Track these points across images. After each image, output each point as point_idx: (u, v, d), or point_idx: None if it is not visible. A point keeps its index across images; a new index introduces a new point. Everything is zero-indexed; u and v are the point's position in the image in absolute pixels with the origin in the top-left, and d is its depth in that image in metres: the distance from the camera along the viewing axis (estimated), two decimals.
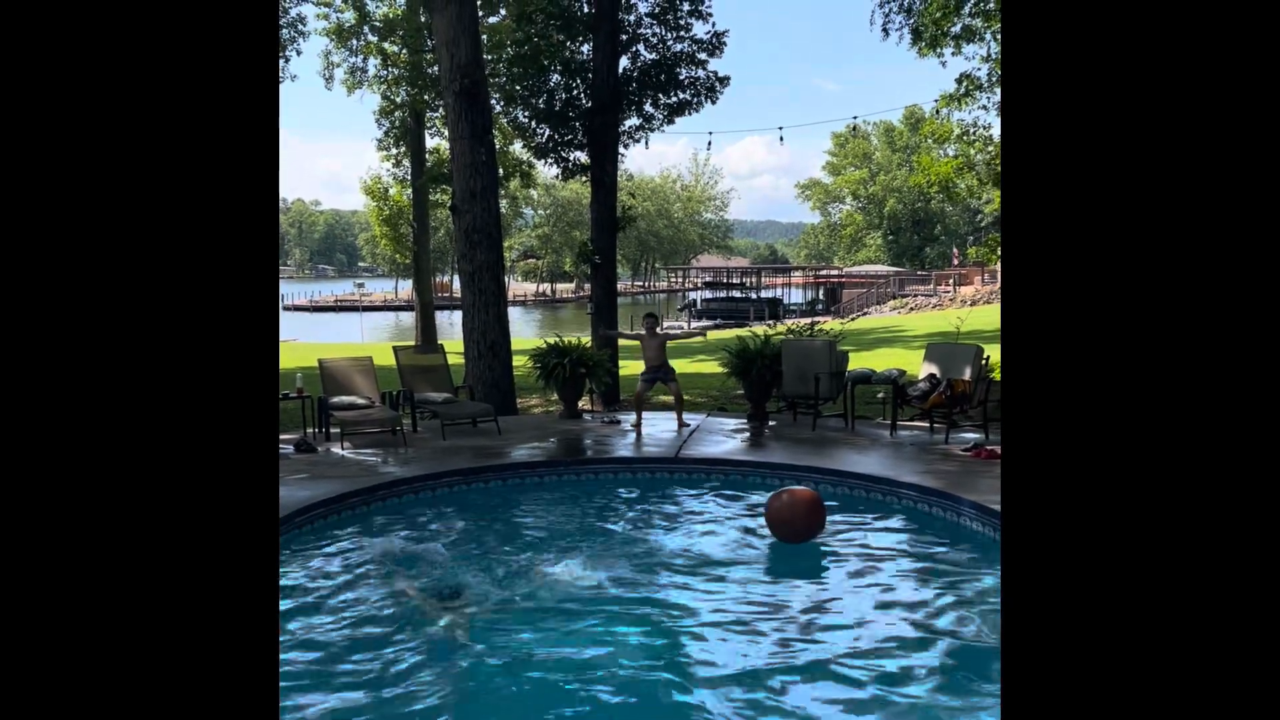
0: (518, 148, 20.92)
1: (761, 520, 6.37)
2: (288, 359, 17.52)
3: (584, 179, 13.62)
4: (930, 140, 21.97)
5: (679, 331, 10.40)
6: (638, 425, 9.86)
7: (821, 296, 55.33)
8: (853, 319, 39.52)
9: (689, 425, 9.61)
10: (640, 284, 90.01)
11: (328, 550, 5.83)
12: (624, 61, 13.18)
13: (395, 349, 10.06)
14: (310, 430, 9.21)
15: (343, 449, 8.50)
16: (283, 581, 5.01)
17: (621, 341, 11.44)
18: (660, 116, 13.59)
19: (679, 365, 10.12)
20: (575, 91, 13.32)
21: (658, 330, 9.91)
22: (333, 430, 8.91)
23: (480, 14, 11.28)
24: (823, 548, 5.76)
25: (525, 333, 34.14)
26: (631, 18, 13.34)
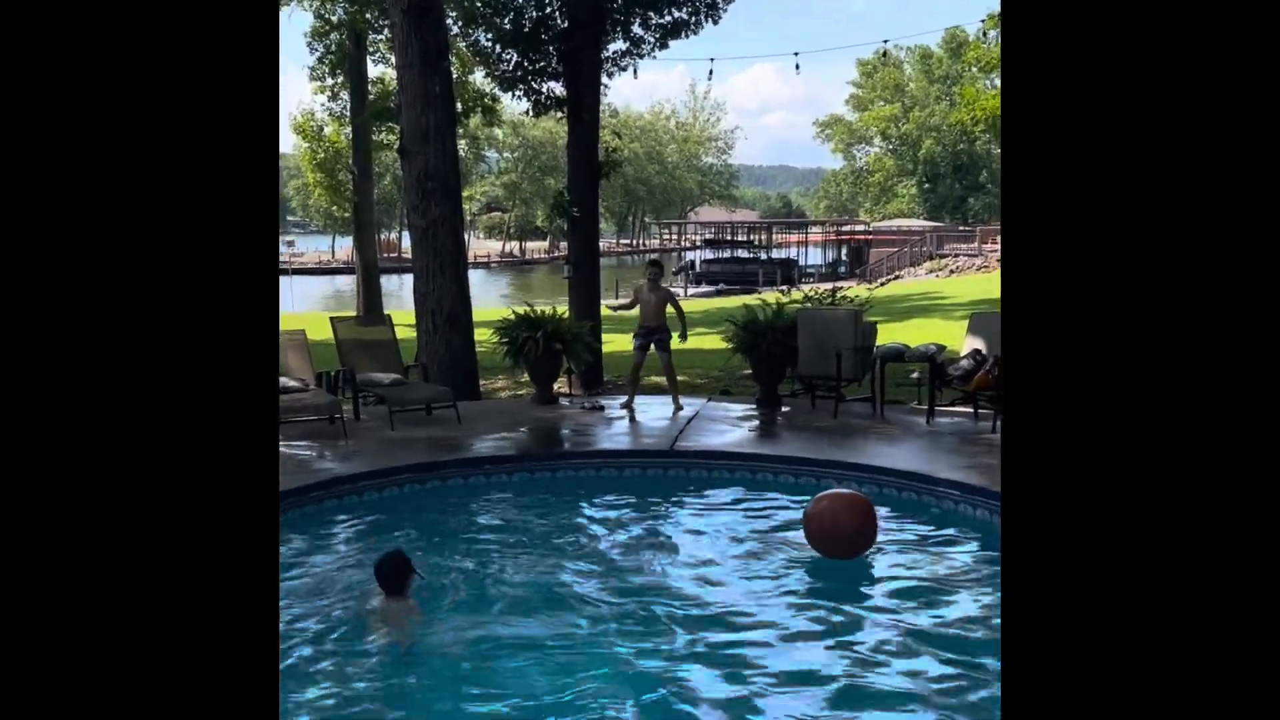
0: (479, 77, 20.76)
1: (775, 529, 6.39)
2: None
3: (559, 115, 13.56)
4: (975, 69, 21.88)
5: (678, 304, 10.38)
6: (629, 405, 9.87)
7: (845, 257, 55.43)
8: (882, 284, 39.62)
9: (684, 410, 9.62)
10: (627, 242, 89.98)
11: None
12: None
13: (333, 320, 10.02)
14: None
15: None
16: None
17: (610, 311, 11.46)
18: (651, 39, 13.51)
19: (673, 339, 10.11)
20: (549, 9, 13.20)
21: (661, 283, 9.87)
22: None
23: None
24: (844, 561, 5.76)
25: (489, 301, 34.08)
26: None
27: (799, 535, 6.01)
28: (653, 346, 9.98)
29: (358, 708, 4.00)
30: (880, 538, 5.78)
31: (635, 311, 10.14)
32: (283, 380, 8.93)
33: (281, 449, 8.18)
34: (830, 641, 4.71)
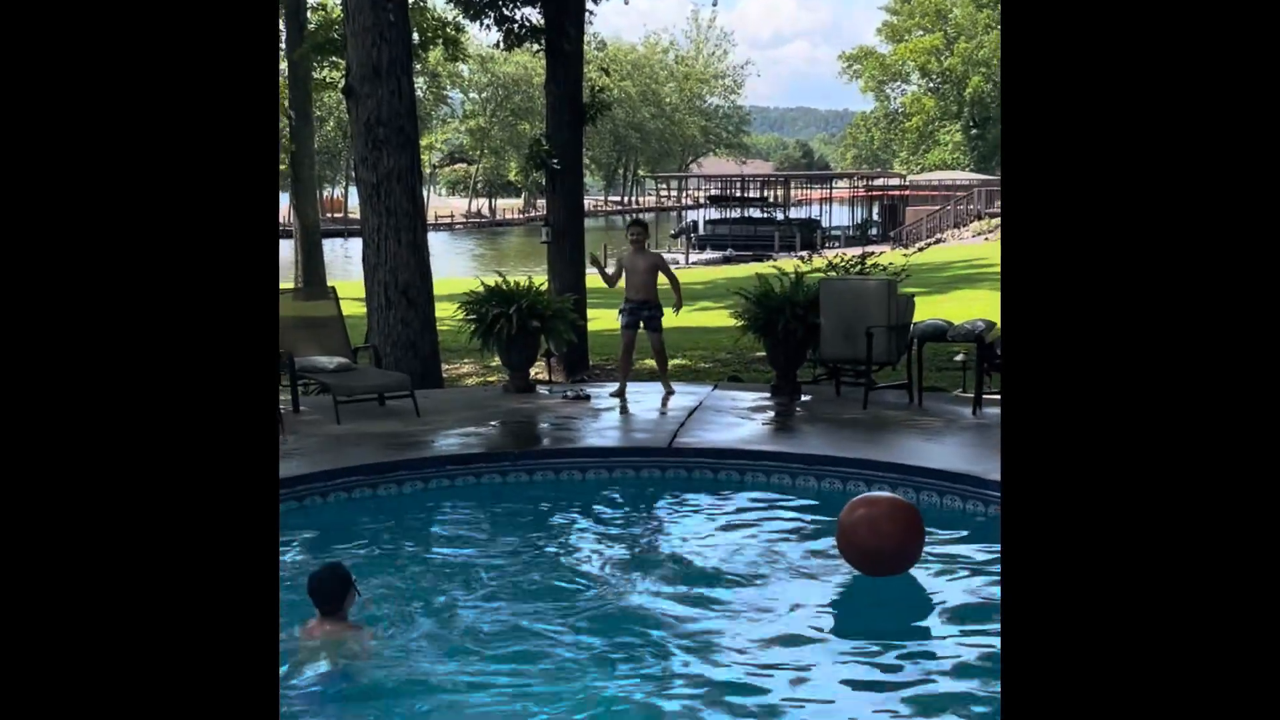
0: (440, 3, 20.65)
1: (795, 543, 6.39)
2: None
3: (536, 48, 13.46)
4: None
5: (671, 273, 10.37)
6: (620, 394, 9.84)
7: (876, 216, 55.43)
8: (920, 248, 39.60)
9: (681, 398, 9.62)
10: (617, 199, 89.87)
11: None
12: None
13: None
14: None
15: None
16: None
17: (597, 283, 11.39)
18: None
19: (672, 316, 10.12)
20: None
21: (647, 245, 9.70)
22: None
23: None
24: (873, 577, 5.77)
25: (454, 270, 34.08)
26: None
27: (822, 549, 6.02)
28: (642, 325, 9.93)
29: None
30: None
31: (621, 284, 10.08)
32: None
33: None
34: (864, 675, 4.73)
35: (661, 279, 9.91)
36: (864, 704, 4.53)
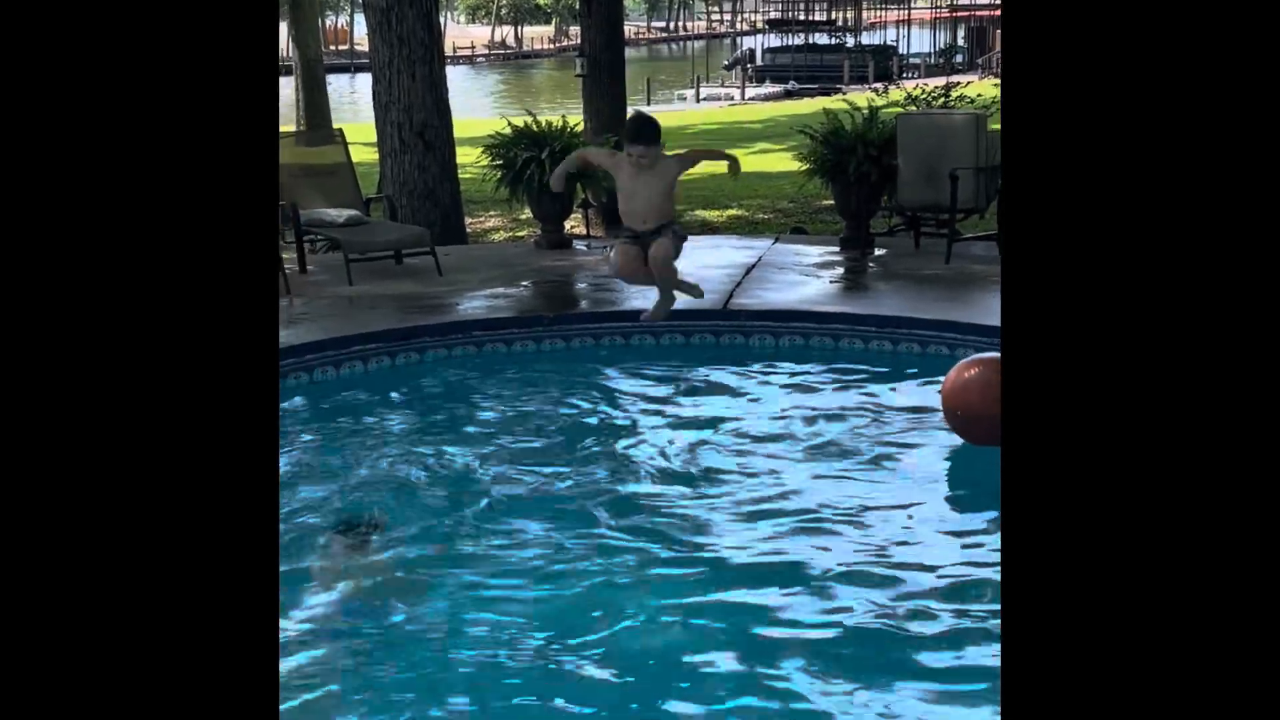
0: None
1: (870, 414, 6.37)
2: None
3: None
4: None
5: (700, 150, 7.93)
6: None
7: (962, 41, 54.21)
8: None
9: (734, 251, 9.51)
10: (661, 26, 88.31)
11: None
12: None
13: None
14: None
15: None
16: None
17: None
18: None
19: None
20: None
21: (660, 153, 5.89)
22: None
23: None
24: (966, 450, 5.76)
25: (476, 110, 33.81)
26: None
27: (900, 418, 6.06)
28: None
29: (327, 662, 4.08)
30: None
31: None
32: None
33: None
34: (966, 555, 4.77)
35: (694, 172, 8.16)
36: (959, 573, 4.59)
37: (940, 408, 5.74)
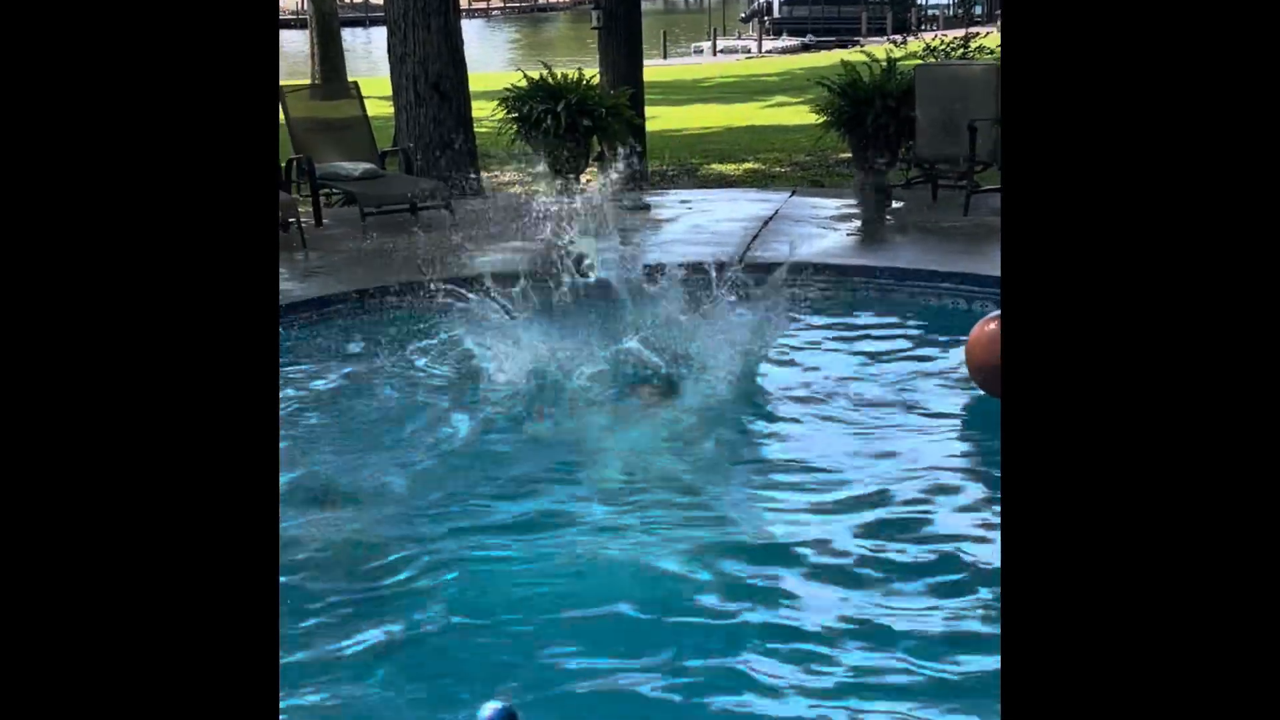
0: None
1: (885, 366, 6.36)
2: None
3: None
4: None
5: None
6: None
7: None
8: None
9: (751, 204, 9.45)
10: None
11: None
12: None
13: (282, 91, 9.90)
14: None
15: None
16: None
17: (656, 75, 11.06)
18: None
19: (744, 112, 9.93)
20: None
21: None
22: None
23: None
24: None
25: (491, 63, 33.60)
26: None
27: (915, 370, 6.12)
28: None
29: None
30: None
31: None
32: None
33: None
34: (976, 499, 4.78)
35: None
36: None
37: (964, 362, 5.72)
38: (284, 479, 5.03)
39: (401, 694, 3.62)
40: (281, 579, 4.13)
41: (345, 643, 3.82)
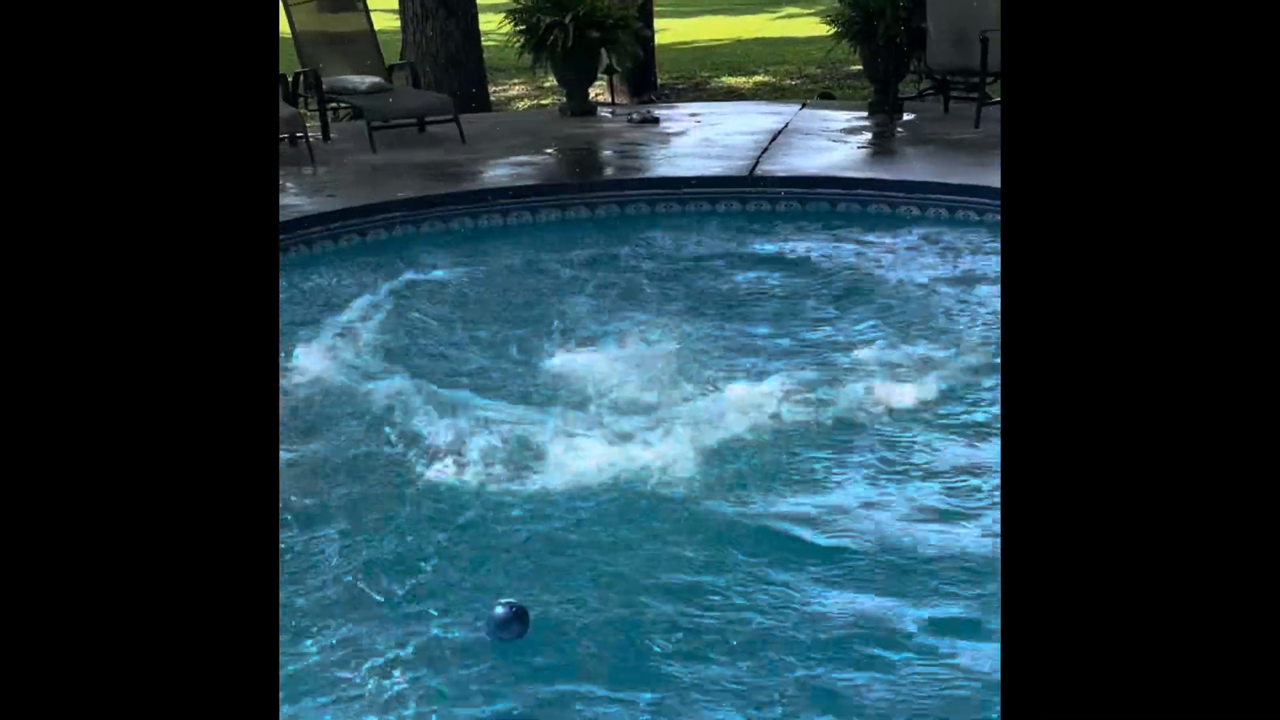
0: None
1: (898, 277, 6.35)
2: None
3: None
4: None
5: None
6: None
7: None
8: None
9: (761, 116, 9.36)
10: None
11: None
12: None
13: (286, 4, 9.76)
14: None
15: None
16: None
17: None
18: None
19: (754, 23, 9.81)
20: None
21: None
22: None
23: None
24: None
25: None
26: None
27: (926, 282, 6.13)
28: None
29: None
30: None
31: None
32: None
33: None
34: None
35: None
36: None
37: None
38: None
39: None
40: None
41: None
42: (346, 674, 3.26)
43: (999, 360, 5.30)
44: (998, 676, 2.22)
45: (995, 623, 3.35)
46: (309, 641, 3.41)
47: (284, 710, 3.09)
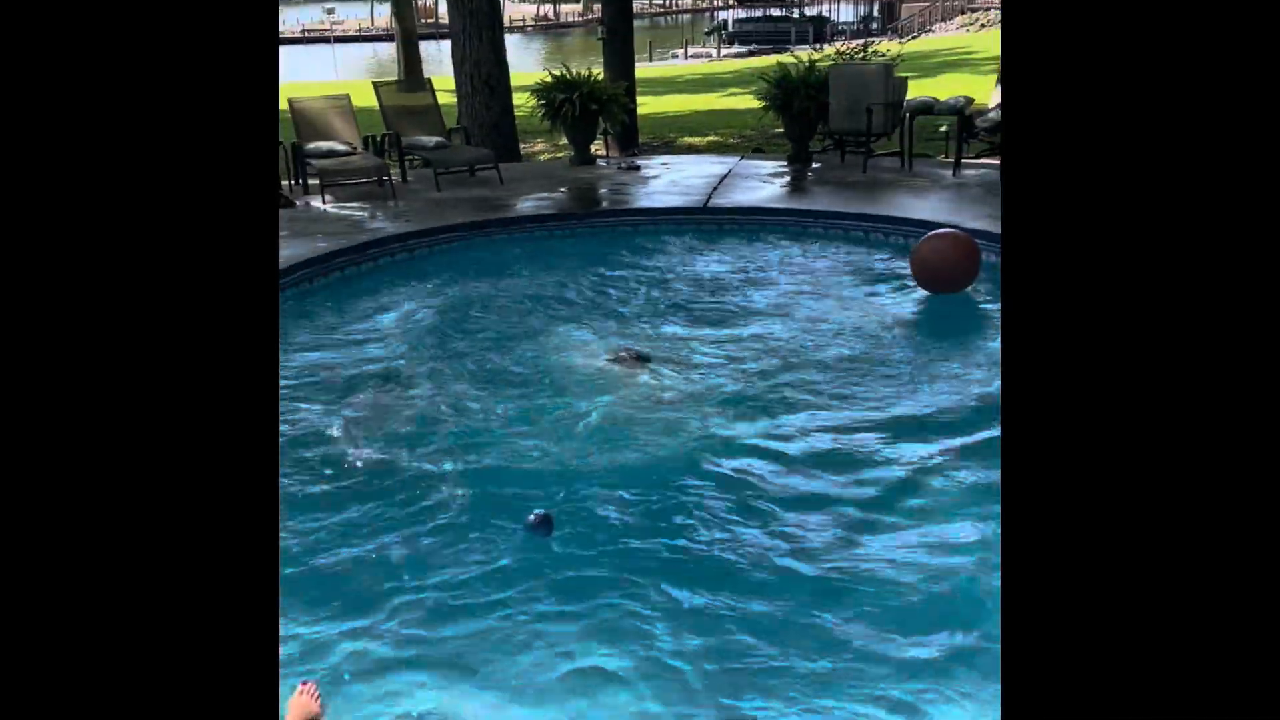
0: None
1: (808, 273, 6.38)
2: None
3: None
4: None
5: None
6: None
7: (876, 13, 52.41)
8: (913, 39, 37.56)
9: (711, 164, 9.31)
10: (660, 2, 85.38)
11: (325, 318, 5.89)
12: None
13: (376, 86, 9.68)
14: (285, 183, 9.07)
15: (324, 203, 8.41)
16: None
17: (644, 74, 10.77)
18: None
19: (707, 100, 9.74)
20: None
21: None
22: (311, 181, 8.77)
23: None
24: (872, 311, 5.72)
25: (526, 65, 32.74)
26: None
27: (829, 278, 6.22)
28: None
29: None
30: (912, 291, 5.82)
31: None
32: (331, 144, 8.74)
33: (335, 210, 8.13)
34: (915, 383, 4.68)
35: None
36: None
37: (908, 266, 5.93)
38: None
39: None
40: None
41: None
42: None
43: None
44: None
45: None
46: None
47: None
